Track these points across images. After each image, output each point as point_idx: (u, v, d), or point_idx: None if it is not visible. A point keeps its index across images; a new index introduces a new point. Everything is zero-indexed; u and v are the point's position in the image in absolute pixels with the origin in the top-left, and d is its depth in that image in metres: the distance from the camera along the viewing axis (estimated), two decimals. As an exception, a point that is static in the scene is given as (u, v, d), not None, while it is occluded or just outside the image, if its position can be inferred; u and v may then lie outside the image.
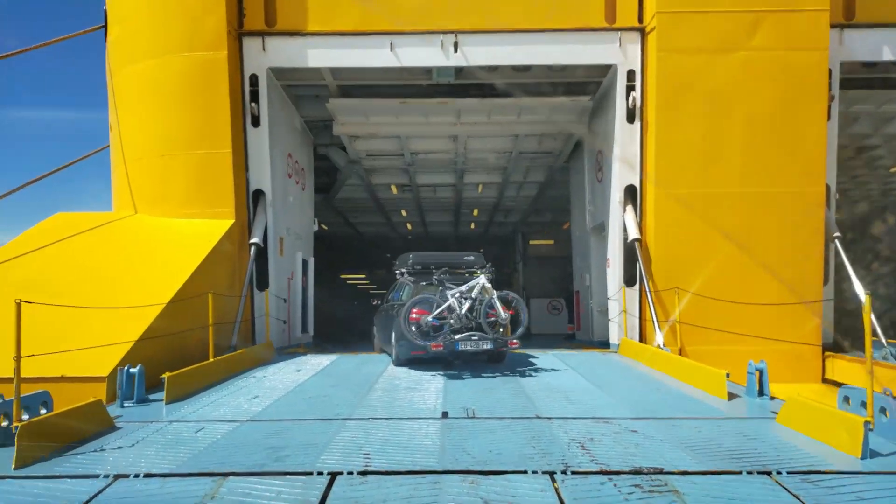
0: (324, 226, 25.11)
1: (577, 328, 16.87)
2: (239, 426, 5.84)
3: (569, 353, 11.90)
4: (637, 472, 4.46)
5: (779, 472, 4.43)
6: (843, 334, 12.18)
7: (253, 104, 12.05)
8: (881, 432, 5.11)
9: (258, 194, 12.28)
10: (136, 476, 4.38)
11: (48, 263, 9.94)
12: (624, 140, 12.12)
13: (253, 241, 11.80)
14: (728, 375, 7.20)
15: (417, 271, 10.77)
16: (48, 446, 4.97)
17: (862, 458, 4.69)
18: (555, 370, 9.39)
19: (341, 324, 22.55)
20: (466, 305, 8.88)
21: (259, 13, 11.89)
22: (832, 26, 11.43)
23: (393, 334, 10.10)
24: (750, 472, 4.45)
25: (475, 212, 24.88)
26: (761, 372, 7.22)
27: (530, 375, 8.81)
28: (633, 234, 11.72)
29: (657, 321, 10.77)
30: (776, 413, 6.18)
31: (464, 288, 9.02)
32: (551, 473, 4.42)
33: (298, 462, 4.64)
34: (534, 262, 27.92)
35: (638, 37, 11.83)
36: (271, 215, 12.35)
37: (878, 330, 10.63)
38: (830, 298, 11.95)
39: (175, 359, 8.48)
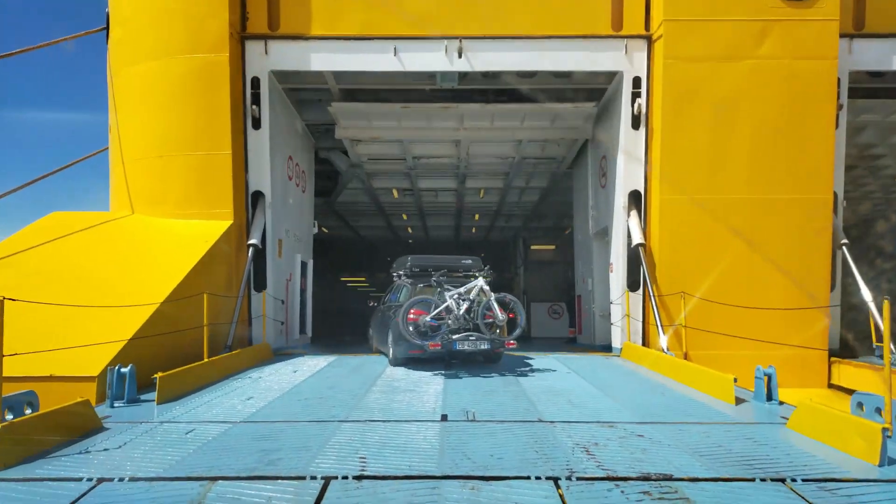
0: (324, 229, 24.99)
1: (579, 332, 16.68)
2: (231, 428, 5.66)
3: (571, 356, 11.70)
4: (645, 478, 4.27)
5: (793, 480, 4.24)
6: (850, 341, 12.00)
7: (254, 106, 11.93)
8: (898, 439, 4.92)
9: (257, 196, 12.13)
10: (121, 480, 4.20)
11: (42, 263, 9.79)
12: (629, 146, 11.97)
13: (251, 242, 11.64)
14: (735, 380, 7.02)
15: (415, 274, 10.81)
16: (31, 448, 4.78)
17: (880, 466, 4.50)
18: (557, 373, 9.19)
19: (341, 326, 22.35)
20: (464, 307, 8.99)
21: (262, 16, 11.79)
22: (841, 36, 11.35)
23: (390, 335, 10.14)
24: (763, 480, 4.26)
25: (476, 216, 24.74)
26: (769, 377, 7.03)
27: (532, 378, 8.62)
28: (637, 238, 11.55)
29: (661, 325, 10.59)
30: (786, 418, 6.00)
31: (462, 289, 9.14)
32: (555, 479, 4.23)
33: (291, 466, 4.45)
34: (535, 266, 27.76)
35: (644, 44, 11.71)
36: (270, 217, 12.20)
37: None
38: (837, 304, 11.78)
39: (169, 359, 8.30)
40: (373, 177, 18.54)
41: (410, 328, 8.87)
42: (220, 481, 4.14)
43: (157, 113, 11.61)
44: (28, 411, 5.43)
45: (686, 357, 9.63)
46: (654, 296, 10.97)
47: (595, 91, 13.16)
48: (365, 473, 4.28)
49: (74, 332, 7.70)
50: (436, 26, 11.58)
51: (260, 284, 12.08)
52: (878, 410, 5.34)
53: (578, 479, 4.25)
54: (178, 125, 11.48)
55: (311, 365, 10.14)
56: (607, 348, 13.13)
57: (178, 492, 3.97)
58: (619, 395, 7.41)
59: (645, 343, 11.48)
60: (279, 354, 11.77)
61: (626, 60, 11.70)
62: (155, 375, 6.93)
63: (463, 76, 12.65)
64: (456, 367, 9.63)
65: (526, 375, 8.91)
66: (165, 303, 8.73)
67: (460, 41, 11.54)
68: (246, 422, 5.94)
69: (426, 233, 28.39)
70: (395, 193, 20.44)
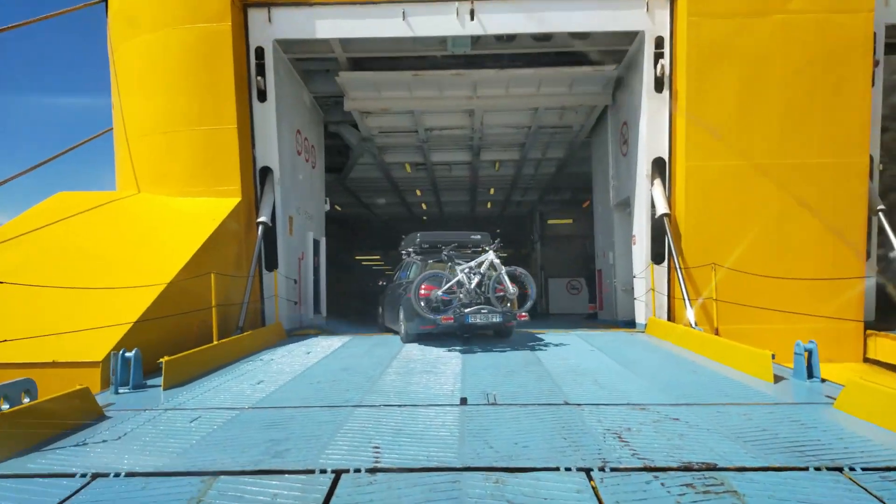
0: (337, 206, 24.63)
1: (600, 308, 16.25)
2: (238, 415, 5.34)
3: (593, 333, 11.31)
4: (686, 468, 3.88)
5: (852, 469, 3.82)
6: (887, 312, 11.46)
7: (259, 78, 11.50)
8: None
9: (265, 172, 11.76)
10: (117, 475, 3.88)
11: (47, 243, 9.53)
12: (651, 110, 11.40)
13: (260, 219, 11.30)
14: (773, 356, 6.57)
15: (425, 250, 10.91)
16: (26, 440, 4.49)
17: (948, 452, 4.07)
18: (580, 351, 8.81)
19: (356, 305, 22.11)
20: (475, 280, 9.02)
21: (264, -19, 11.30)
22: (877, -14, 10.63)
23: (401, 311, 10.18)
24: (818, 469, 3.84)
25: (491, 190, 24.20)
26: (811, 352, 6.57)
27: (554, 357, 8.24)
28: (662, 208, 11.04)
29: (688, 299, 10.13)
30: (832, 398, 5.56)
31: (473, 263, 9.17)
32: (587, 470, 3.85)
33: (300, 458, 4.11)
34: (552, 241, 27.20)
35: (667, 1, 11.06)
36: (279, 193, 11.83)
37: None
38: (872, 275, 11.23)
39: (178, 342, 8.04)
40: (384, 151, 18.07)
41: (422, 303, 8.92)
42: (223, 477, 3.81)
43: (158, 87, 11.22)
44: (26, 400, 5.14)
45: (717, 332, 9.17)
46: (680, 268, 10.49)
47: (615, 53, 12.54)
48: (379, 466, 3.93)
49: (78, 315, 7.43)
50: (446, -13, 11.03)
51: (271, 263, 11.78)
52: (939, 389, 4.89)
53: (613, 469, 3.87)
54: (180, 99, 11.10)
55: (325, 346, 9.84)
56: (630, 324, 12.71)
57: (176, 489, 3.65)
58: (648, 374, 7.01)
59: (670, 318, 11.04)
60: (292, 335, 11.51)
61: (647, 19, 11.08)
62: (161, 360, 6.63)
63: (475, 41, 12.09)
64: (474, 346, 9.30)
65: (548, 354, 8.53)
66: (172, 283, 8.43)
67: (472, 2, 10.98)
68: (254, 408, 5.62)
69: (440, 209, 27.92)
70: (408, 168, 19.97)
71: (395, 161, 19.13)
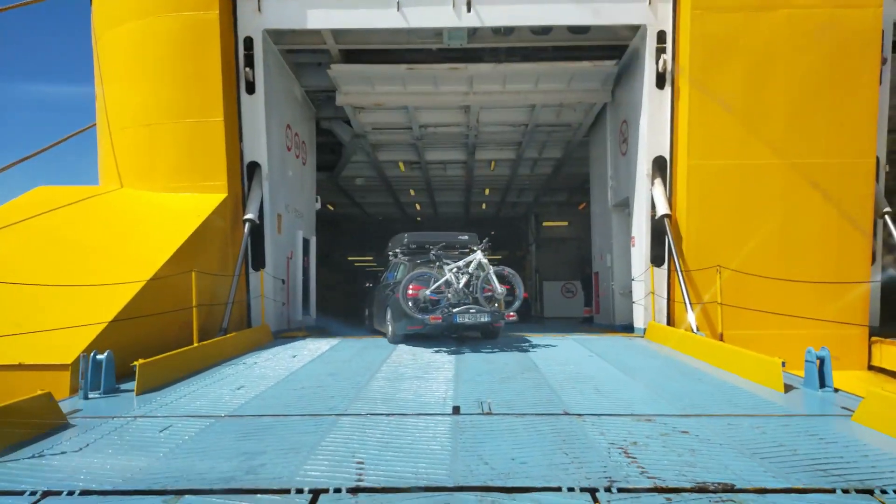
0: (329, 206, 24.21)
1: (596, 311, 15.89)
2: (213, 424, 4.94)
3: (590, 337, 10.96)
4: (701, 489, 3.51)
5: (884, 492, 3.47)
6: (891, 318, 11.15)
7: (247, 69, 11.09)
8: None
9: (253, 167, 11.36)
10: (70, 493, 3.49)
11: (23, 239, 9.10)
12: (653, 108, 11.07)
13: (247, 216, 10.89)
14: (784, 364, 6.23)
15: (412, 251, 10.90)
16: (-25, 450, 4.09)
17: None
18: (578, 357, 8.45)
19: (347, 306, 21.69)
20: (463, 280, 8.99)
21: (254, -32, 10.90)
22: (886, -19, 10.32)
23: (389, 312, 10.15)
24: (846, 491, 3.49)
25: (487, 191, 23.81)
26: (822, 360, 6.23)
27: (551, 363, 7.87)
28: (663, 209, 10.70)
29: (689, 303, 9.78)
30: (849, 409, 5.22)
31: (461, 263, 9.15)
32: (592, 491, 3.48)
33: (275, 474, 3.73)
34: (547, 244, 26.90)
35: None
36: (268, 190, 11.43)
37: None
38: (878, 280, 10.92)
39: (156, 344, 7.61)
40: (378, 148, 17.67)
41: (410, 303, 8.90)
42: (188, 496, 3.42)
43: (142, 78, 10.80)
44: (-19, 406, 4.73)
45: (721, 338, 8.82)
46: (681, 271, 10.15)
47: (615, 48, 12.20)
48: (362, 485, 3.54)
49: (51, 314, 7.02)
50: (442, -24, 10.66)
51: (258, 263, 11.37)
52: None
53: (620, 490, 3.50)
54: (165, 91, 10.68)
55: (313, 349, 9.45)
56: (628, 329, 12.37)
57: (134, 511, 3.26)
58: (651, 382, 6.66)
59: (670, 322, 10.70)
60: (280, 337, 11.11)
61: (649, 12, 10.76)
62: (134, 363, 6.22)
63: (472, 33, 11.72)
64: (468, 350, 8.93)
65: (544, 359, 8.16)
66: (152, 282, 8.02)
67: (469, -7, 10.62)
68: (231, 416, 5.23)
69: (434, 209, 27.52)
70: (402, 167, 19.58)
71: (389, 159, 18.74)
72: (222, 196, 10.54)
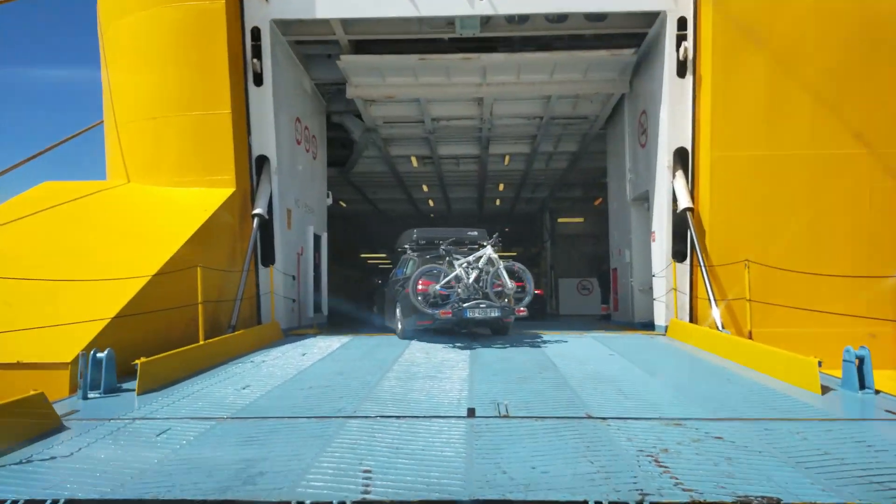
0: (342, 202, 23.99)
1: (614, 308, 15.50)
2: (213, 427, 4.66)
3: (610, 335, 10.60)
4: (745, 503, 3.17)
5: (951, 508, 3.11)
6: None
7: (255, 60, 10.82)
8: None
9: (262, 161, 11.09)
10: (55, 503, 3.21)
11: (27, 235, 8.91)
12: (673, 97, 10.66)
13: (256, 211, 10.63)
14: (820, 364, 5.84)
15: (422, 246, 10.86)
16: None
17: None
18: (598, 355, 8.11)
19: (360, 303, 21.44)
20: (473, 275, 8.96)
21: (260, -43, 10.62)
22: (920, -38, 9.85)
23: (398, 308, 10.20)
24: (908, 508, 3.13)
25: (501, 186, 23.43)
26: (862, 360, 5.83)
27: (570, 361, 7.53)
28: (685, 202, 10.29)
29: (714, 300, 9.39)
30: (895, 413, 4.84)
31: (471, 258, 9.13)
32: (623, 506, 3.15)
33: (275, 484, 3.43)
34: (562, 240, 26.54)
35: None
36: (277, 184, 11.16)
37: None
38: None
39: (162, 341, 7.38)
40: (390, 143, 17.38)
41: (420, 298, 8.88)
42: (179, 509, 3.14)
43: (148, 70, 10.57)
44: (-29, 408, 4.49)
45: (750, 336, 8.42)
46: (704, 266, 9.75)
47: (634, 36, 11.79)
48: (368, 498, 3.24)
49: (53, 310, 6.80)
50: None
51: (267, 258, 11.11)
52: None
53: (653, 504, 3.17)
54: (171, 83, 10.45)
55: (323, 346, 9.17)
56: (648, 326, 11.97)
57: (119, 525, 2.98)
58: (677, 383, 6.31)
59: (692, 319, 10.31)
60: (290, 335, 10.85)
61: (670, -2, 10.36)
62: (136, 361, 5.97)
63: (485, 22, 11.36)
64: (483, 349, 8.61)
65: (563, 358, 7.81)
66: (156, 278, 7.78)
67: (482, -21, 10.28)
68: (233, 418, 4.95)
69: (448, 206, 27.21)
70: (415, 162, 19.27)
71: (401, 154, 18.44)
72: (230, 190, 10.29)
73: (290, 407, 5.29)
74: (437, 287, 8.92)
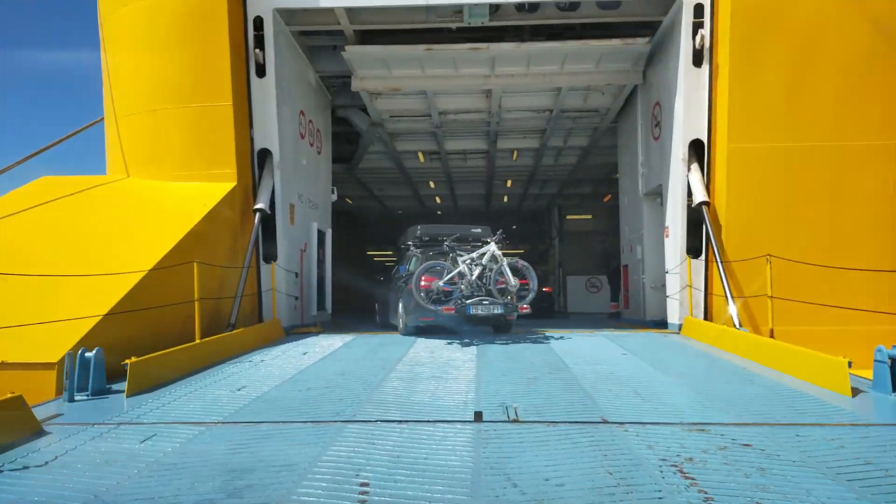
0: (348, 199, 23.70)
1: (625, 306, 15.14)
2: (203, 432, 4.36)
3: (622, 333, 10.26)
4: (784, 523, 2.83)
5: None
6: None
7: (257, 51, 10.54)
8: None
9: (264, 154, 10.81)
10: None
11: (22, 230, 8.66)
12: (689, 87, 10.30)
13: (258, 206, 10.35)
14: (850, 364, 5.48)
15: (425, 243, 10.91)
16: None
17: None
18: (610, 355, 7.77)
19: (366, 301, 21.14)
20: (477, 272, 8.90)
21: (263, -57, 10.33)
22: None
23: (400, 304, 10.17)
24: (968, 528, 2.79)
25: (508, 183, 23.07)
26: (895, 360, 5.46)
27: (581, 361, 7.19)
28: (700, 196, 9.93)
29: (731, 297, 9.02)
30: (936, 419, 4.48)
31: (475, 255, 9.06)
32: (648, 525, 2.82)
33: (262, 498, 3.11)
34: (571, 237, 26.15)
35: None
36: (279, 178, 10.87)
37: None
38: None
39: (158, 340, 7.10)
40: (396, 138, 17.07)
41: (423, 294, 8.81)
42: (154, 526, 2.83)
43: (148, 60, 10.33)
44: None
45: (772, 334, 8.05)
46: (721, 262, 9.38)
47: (647, 25, 11.43)
48: (364, 514, 2.93)
49: (44, 308, 6.52)
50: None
51: (270, 255, 10.82)
52: None
53: (682, 523, 2.84)
54: (171, 74, 10.20)
55: (325, 345, 8.88)
56: (661, 324, 11.62)
57: (87, 545, 2.68)
58: (696, 384, 5.96)
59: (707, 317, 9.95)
60: (292, 333, 10.57)
61: (686, -16, 9.98)
62: (125, 361, 5.68)
63: (494, 10, 11.01)
64: (489, 347, 8.30)
65: (574, 357, 7.47)
66: (152, 274, 7.50)
67: (491, -34, 9.94)
68: (225, 423, 4.64)
69: (455, 202, 26.87)
70: (421, 157, 18.95)
71: (408, 149, 18.13)
72: (231, 185, 10.02)
73: (285, 410, 4.98)
74: (441, 283, 8.86)
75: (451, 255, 9.17)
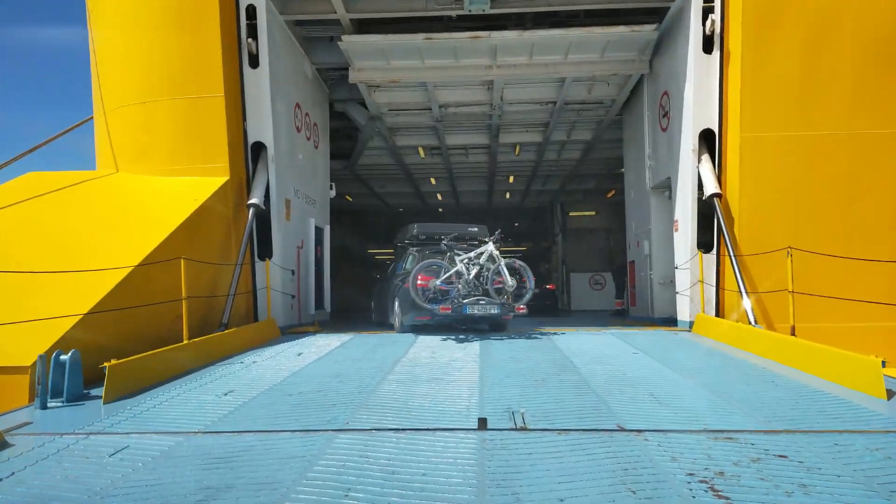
0: (347, 196, 23.31)
1: (631, 303, 14.74)
2: (180, 444, 3.98)
3: (630, 332, 9.87)
4: (839, 553, 2.44)
5: None
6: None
7: (250, 40, 10.16)
8: None
9: (259, 148, 10.42)
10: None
11: (4, 227, 8.28)
12: (699, 75, 9.89)
13: (252, 201, 9.95)
14: (884, 363, 5.08)
15: (421, 241, 10.91)
16: None
17: None
18: (621, 354, 7.37)
19: (366, 300, 20.78)
20: (474, 271, 8.86)
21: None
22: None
23: (396, 302, 10.13)
24: None
25: (511, 178, 22.64)
26: (931, 361, 5.07)
27: (590, 361, 6.81)
28: (712, 188, 9.53)
29: (745, 292, 8.61)
30: (985, 425, 4.08)
31: (472, 254, 9.01)
32: (681, 555, 2.43)
33: (236, 522, 2.74)
34: (574, 234, 25.76)
35: None
36: (274, 173, 10.49)
37: None
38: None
39: (145, 341, 6.74)
40: (395, 133, 16.66)
41: (419, 293, 8.79)
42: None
43: (137, 50, 9.94)
44: None
45: (793, 332, 7.64)
46: (734, 256, 8.97)
47: (654, 12, 11.02)
48: (352, 544, 2.54)
49: (22, 307, 6.15)
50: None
51: (264, 252, 10.44)
52: None
53: (719, 552, 2.45)
54: (161, 65, 9.82)
55: (321, 345, 8.50)
56: (669, 322, 11.24)
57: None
58: (716, 386, 5.55)
59: (718, 313, 9.55)
60: (288, 333, 10.20)
61: (695, -34, 9.57)
62: (104, 364, 5.30)
63: (495, -3, 10.63)
64: (493, 347, 7.92)
65: (582, 358, 7.08)
66: (138, 269, 7.12)
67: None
68: (206, 432, 4.25)
69: (456, 199, 26.45)
70: (422, 152, 18.54)
71: (408, 144, 17.71)
72: (223, 179, 9.64)
73: (272, 418, 4.59)
74: (438, 282, 8.83)
75: (448, 253, 9.08)
